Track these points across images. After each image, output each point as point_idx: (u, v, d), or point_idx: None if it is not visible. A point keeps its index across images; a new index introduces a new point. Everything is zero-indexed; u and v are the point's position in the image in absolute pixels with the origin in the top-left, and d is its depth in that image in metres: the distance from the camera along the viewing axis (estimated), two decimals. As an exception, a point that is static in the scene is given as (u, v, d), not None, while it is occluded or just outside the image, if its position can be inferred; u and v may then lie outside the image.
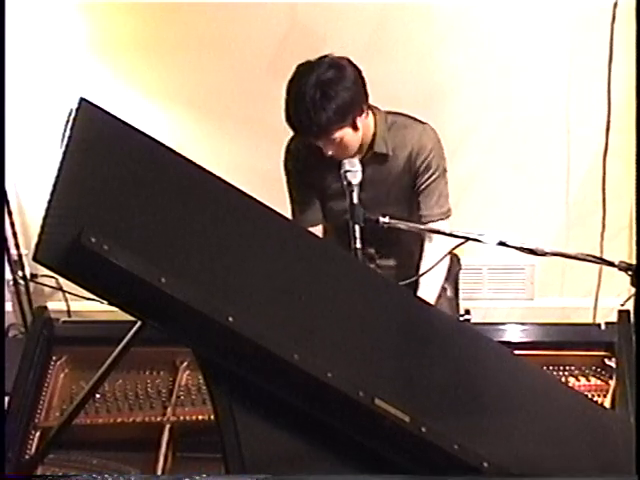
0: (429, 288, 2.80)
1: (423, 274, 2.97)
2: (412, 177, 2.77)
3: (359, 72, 2.56)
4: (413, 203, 2.85)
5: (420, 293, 2.80)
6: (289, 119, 2.57)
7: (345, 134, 2.57)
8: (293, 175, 2.85)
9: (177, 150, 1.85)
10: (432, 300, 2.80)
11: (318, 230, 2.82)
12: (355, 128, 2.60)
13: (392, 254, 2.93)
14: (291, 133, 2.84)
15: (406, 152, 2.73)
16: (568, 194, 3.63)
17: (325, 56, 2.56)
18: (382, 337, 1.86)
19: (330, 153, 2.61)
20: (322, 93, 2.49)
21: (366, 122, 2.66)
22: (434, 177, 2.77)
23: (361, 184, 2.70)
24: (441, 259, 2.92)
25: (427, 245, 2.82)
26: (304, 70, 2.55)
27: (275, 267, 1.83)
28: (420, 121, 2.76)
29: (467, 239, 2.62)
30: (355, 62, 2.62)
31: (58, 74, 3.50)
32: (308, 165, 2.79)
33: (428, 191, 2.78)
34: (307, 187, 2.84)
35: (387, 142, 2.70)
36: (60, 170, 1.65)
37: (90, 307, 3.17)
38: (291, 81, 2.59)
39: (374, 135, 2.70)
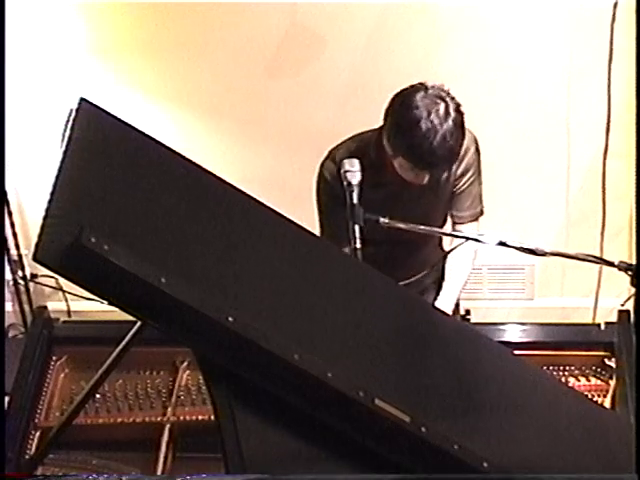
0: (450, 292, 2.83)
1: (427, 274, 2.98)
2: (453, 180, 2.75)
3: (455, 99, 2.50)
4: (448, 205, 2.83)
5: (442, 295, 2.83)
6: (410, 151, 2.45)
7: None
8: (327, 196, 2.71)
9: (177, 150, 1.85)
10: (452, 302, 2.82)
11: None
12: None
13: (409, 255, 2.91)
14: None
15: None
16: (568, 194, 3.63)
17: (424, 85, 2.48)
18: (382, 337, 1.86)
19: (424, 182, 2.55)
20: (447, 125, 2.42)
21: None
22: (471, 179, 2.75)
23: (411, 200, 2.65)
24: (446, 254, 2.92)
25: (450, 254, 2.82)
26: (410, 100, 2.45)
27: (275, 267, 1.83)
28: None
29: (467, 239, 2.62)
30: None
31: (58, 74, 3.50)
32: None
33: (464, 193, 2.77)
34: (340, 210, 2.54)
35: None
36: (60, 170, 1.65)
37: (90, 307, 3.17)
38: (397, 111, 2.48)
39: None
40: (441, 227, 2.85)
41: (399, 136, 2.48)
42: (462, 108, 2.49)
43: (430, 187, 2.69)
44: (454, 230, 2.84)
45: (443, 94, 2.49)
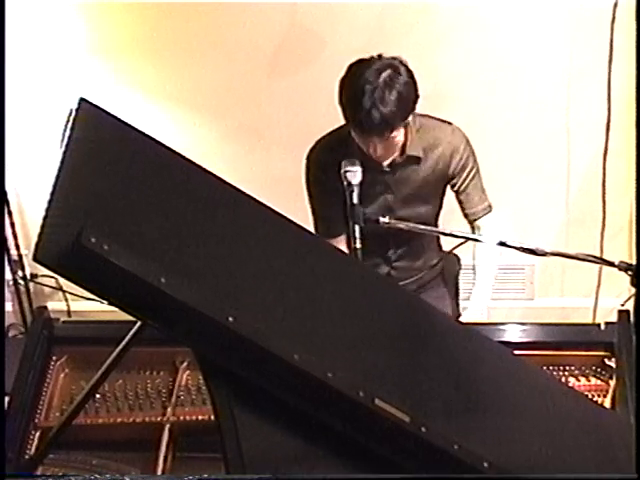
0: (483, 289, 2.87)
1: (425, 274, 2.99)
2: (445, 178, 2.78)
3: (411, 71, 2.55)
4: (441, 201, 2.86)
5: (475, 293, 2.87)
6: (350, 115, 2.53)
7: (400, 132, 2.57)
8: (316, 185, 2.80)
9: (177, 150, 1.85)
10: (487, 299, 2.86)
11: (341, 241, 2.77)
12: (406, 127, 2.60)
13: (408, 256, 2.92)
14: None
15: (437, 154, 2.72)
16: (568, 194, 3.63)
17: (379, 55, 2.55)
18: (382, 337, 1.86)
19: (380, 152, 2.59)
20: (387, 89, 2.47)
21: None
22: (471, 175, 2.78)
23: (391, 186, 2.69)
24: (447, 254, 2.93)
25: (478, 250, 2.87)
26: (360, 67, 2.53)
27: (275, 267, 1.83)
28: (446, 121, 2.76)
29: (467, 239, 2.62)
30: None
31: (58, 74, 3.50)
32: (331, 173, 2.75)
33: (469, 190, 2.80)
34: (330, 197, 2.76)
35: (418, 144, 2.69)
36: (60, 170, 1.65)
37: (90, 307, 3.17)
38: (346, 78, 2.55)
39: (405, 137, 2.68)
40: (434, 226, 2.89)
41: (342, 97, 2.55)
42: (417, 79, 2.55)
43: (407, 178, 2.73)
44: (473, 228, 2.86)
45: (395, 62, 2.54)
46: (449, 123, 2.76)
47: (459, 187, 2.80)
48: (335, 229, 2.74)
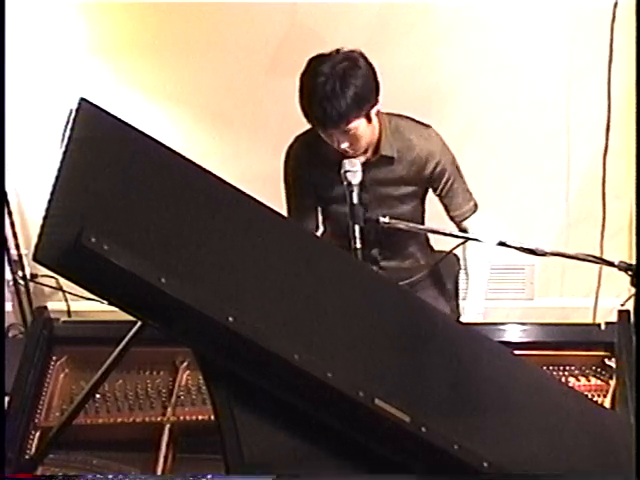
0: (476, 295, 2.87)
1: (423, 275, 2.99)
2: (422, 181, 2.78)
3: (370, 63, 2.56)
4: (423, 201, 2.87)
5: (469, 299, 2.87)
6: (306, 109, 2.55)
7: (360, 125, 2.56)
8: (293, 181, 2.84)
9: (177, 150, 1.85)
10: (481, 303, 2.86)
11: None
12: (369, 120, 2.59)
13: (395, 256, 2.93)
14: (291, 136, 2.85)
15: (412, 156, 2.73)
16: (568, 194, 3.63)
17: (337, 50, 2.56)
18: (382, 337, 1.86)
19: (344, 146, 2.58)
20: (340, 81, 2.48)
21: (375, 120, 2.66)
22: (452, 179, 2.79)
23: (364, 184, 2.71)
24: (446, 255, 2.93)
25: (468, 251, 2.87)
26: (318, 62, 2.54)
27: (276, 267, 1.82)
28: (423, 124, 2.76)
29: (467, 239, 2.62)
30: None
31: (58, 74, 3.50)
32: (309, 169, 2.78)
33: (452, 193, 2.81)
34: (306, 193, 2.83)
35: (392, 145, 2.70)
36: (60, 170, 1.65)
37: (90, 307, 3.17)
38: (305, 73, 2.57)
39: (379, 137, 2.69)
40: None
41: (300, 93, 2.56)
42: (378, 75, 2.57)
43: (382, 178, 2.74)
44: (460, 229, 2.85)
45: (353, 55, 2.55)
46: (427, 126, 2.77)
47: (440, 192, 2.81)
48: (307, 223, 2.83)
